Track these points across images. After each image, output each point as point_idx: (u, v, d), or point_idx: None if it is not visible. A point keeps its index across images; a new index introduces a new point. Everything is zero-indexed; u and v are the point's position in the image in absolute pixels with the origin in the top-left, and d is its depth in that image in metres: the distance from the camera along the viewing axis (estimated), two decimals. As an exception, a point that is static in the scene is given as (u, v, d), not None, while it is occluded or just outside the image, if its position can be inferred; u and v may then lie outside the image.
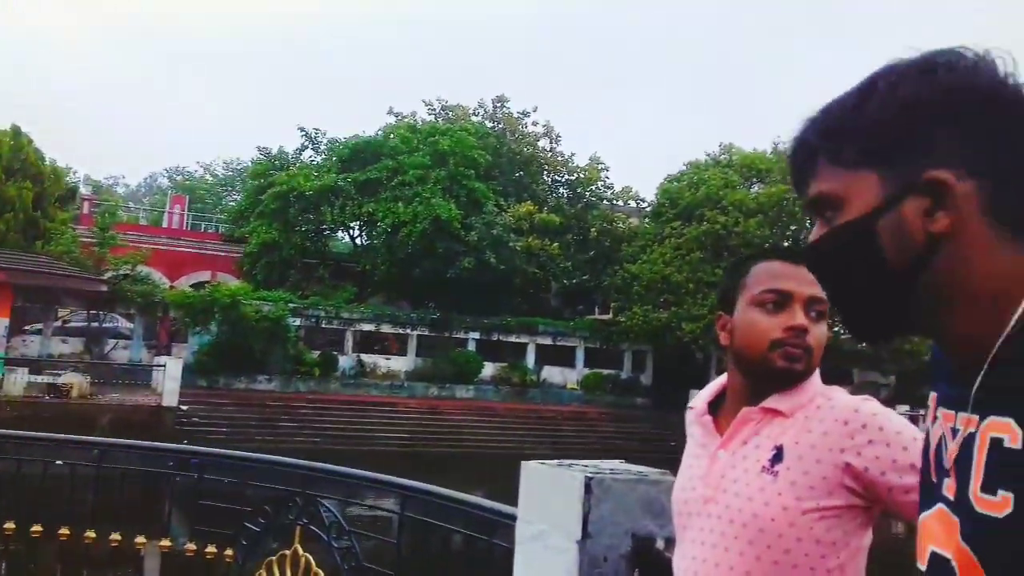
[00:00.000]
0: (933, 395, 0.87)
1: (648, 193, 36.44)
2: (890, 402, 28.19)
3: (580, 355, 33.13)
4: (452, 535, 3.01)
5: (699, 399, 1.55)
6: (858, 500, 1.33)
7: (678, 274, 29.65)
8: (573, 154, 37.26)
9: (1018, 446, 0.67)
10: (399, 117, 37.07)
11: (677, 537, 1.48)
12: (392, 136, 33.53)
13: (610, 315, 33.80)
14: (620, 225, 35.00)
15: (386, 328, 31.30)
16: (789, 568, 1.32)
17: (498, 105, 37.32)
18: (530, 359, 32.36)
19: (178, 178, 61.48)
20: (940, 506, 0.80)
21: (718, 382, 1.56)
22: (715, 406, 1.52)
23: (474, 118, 36.70)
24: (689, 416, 1.56)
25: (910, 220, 0.76)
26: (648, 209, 35.46)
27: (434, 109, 37.78)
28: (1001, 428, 0.69)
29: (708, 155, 34.67)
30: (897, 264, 0.78)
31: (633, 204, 37.09)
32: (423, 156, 31.63)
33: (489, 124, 36.53)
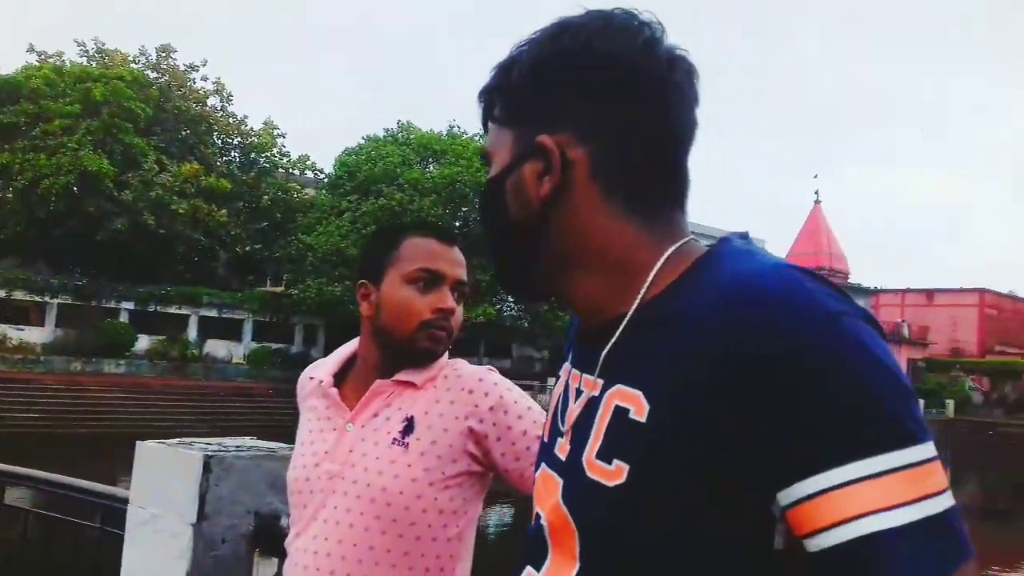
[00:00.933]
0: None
1: (326, 164, 35.85)
2: (543, 375, 30.84)
3: (248, 328, 31.93)
4: (70, 525, 2.68)
5: (322, 370, 1.48)
6: (477, 467, 1.37)
7: (353, 248, 29.63)
8: (246, 116, 35.48)
9: (642, 419, 0.66)
10: (43, 57, 32.43)
11: (295, 516, 1.40)
12: (34, 78, 29.27)
13: (282, 287, 32.90)
14: (296, 195, 34.13)
15: (19, 295, 27.56)
16: (413, 540, 1.32)
17: (163, 55, 34.15)
18: (192, 332, 30.56)
19: None
20: (544, 466, 0.80)
21: (342, 352, 1.51)
22: (339, 378, 1.47)
23: (134, 66, 33.16)
24: (307, 387, 1.50)
25: (527, 182, 0.76)
26: (326, 181, 34.92)
27: (87, 51, 33.58)
28: (627, 398, 0.68)
29: (387, 131, 34.95)
30: (519, 224, 0.77)
31: (310, 174, 36.27)
32: (71, 103, 28.13)
33: (152, 75, 33.31)
